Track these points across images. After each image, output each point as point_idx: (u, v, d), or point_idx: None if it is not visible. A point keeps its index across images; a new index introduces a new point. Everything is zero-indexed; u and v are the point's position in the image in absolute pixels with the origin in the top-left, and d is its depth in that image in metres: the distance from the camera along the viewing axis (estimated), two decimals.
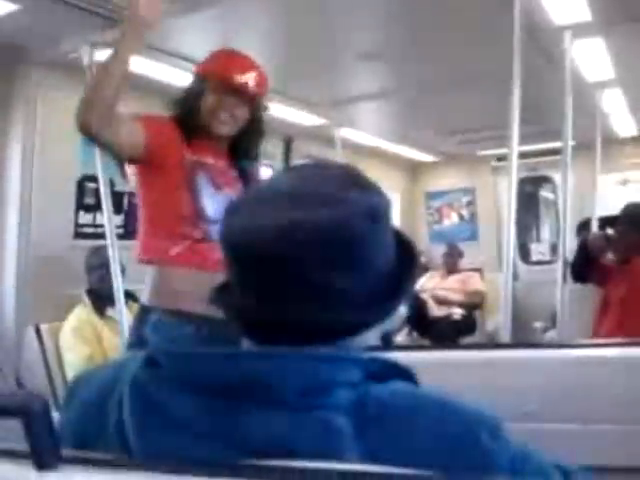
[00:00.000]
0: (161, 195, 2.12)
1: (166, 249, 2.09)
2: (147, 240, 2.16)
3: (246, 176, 2.25)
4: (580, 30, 3.06)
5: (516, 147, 2.46)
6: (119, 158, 2.20)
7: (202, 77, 2.18)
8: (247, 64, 2.18)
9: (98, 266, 3.40)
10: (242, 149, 2.28)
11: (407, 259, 0.88)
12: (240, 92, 2.14)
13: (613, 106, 4.77)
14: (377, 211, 0.82)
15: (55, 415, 0.84)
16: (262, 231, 0.78)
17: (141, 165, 2.13)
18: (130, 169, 3.88)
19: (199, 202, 2.11)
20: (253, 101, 2.20)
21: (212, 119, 2.15)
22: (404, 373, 0.84)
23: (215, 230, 2.05)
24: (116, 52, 1.94)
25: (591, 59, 3.60)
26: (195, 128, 2.15)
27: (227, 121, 2.17)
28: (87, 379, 0.93)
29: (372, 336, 0.86)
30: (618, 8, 2.95)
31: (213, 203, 2.12)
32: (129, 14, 1.96)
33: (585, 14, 2.97)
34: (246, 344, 0.84)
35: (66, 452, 0.72)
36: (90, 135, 1.91)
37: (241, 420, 0.74)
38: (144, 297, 2.16)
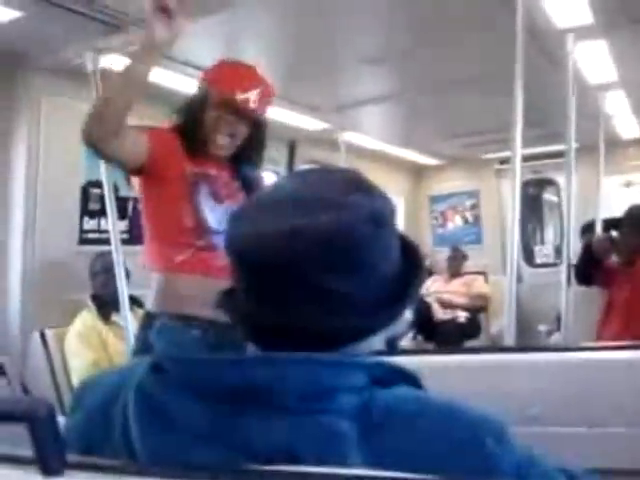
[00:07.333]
0: (163, 206, 2.12)
1: (170, 257, 2.09)
2: (151, 248, 2.16)
3: (249, 184, 2.22)
4: (583, 33, 3.05)
5: (519, 150, 2.45)
6: (122, 169, 2.19)
7: (206, 90, 2.15)
8: (251, 80, 2.14)
9: (102, 271, 3.41)
10: (244, 161, 2.25)
11: (412, 264, 0.87)
12: (241, 111, 2.12)
13: (616, 108, 4.77)
14: (380, 215, 0.81)
15: (61, 420, 0.84)
16: (264, 238, 0.77)
17: (143, 176, 2.12)
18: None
19: (201, 214, 2.10)
20: (254, 118, 2.17)
21: (211, 140, 2.13)
22: (409, 378, 0.83)
23: (218, 240, 2.05)
24: (129, 69, 1.89)
25: (594, 61, 3.60)
26: (197, 140, 2.13)
27: (225, 144, 2.15)
28: (93, 385, 0.93)
29: (378, 341, 0.85)
30: (620, 10, 2.95)
31: (215, 215, 2.11)
32: (145, 35, 1.88)
33: (587, 17, 2.97)
34: (251, 349, 0.84)
35: (71, 458, 0.72)
36: (94, 147, 1.88)
37: (244, 425, 0.74)
38: (149, 303, 2.16)
